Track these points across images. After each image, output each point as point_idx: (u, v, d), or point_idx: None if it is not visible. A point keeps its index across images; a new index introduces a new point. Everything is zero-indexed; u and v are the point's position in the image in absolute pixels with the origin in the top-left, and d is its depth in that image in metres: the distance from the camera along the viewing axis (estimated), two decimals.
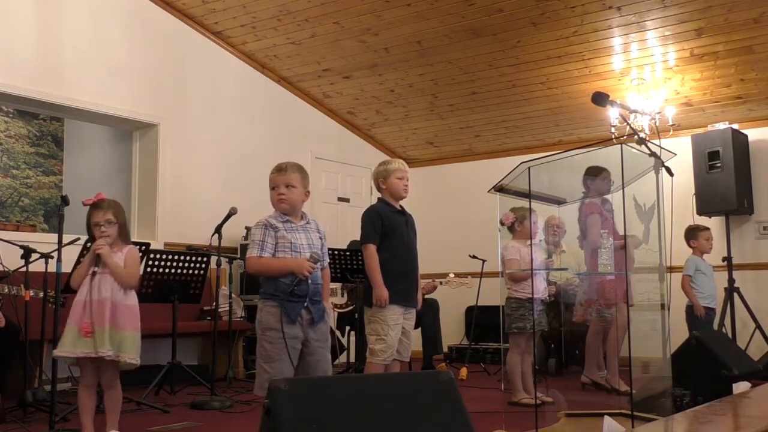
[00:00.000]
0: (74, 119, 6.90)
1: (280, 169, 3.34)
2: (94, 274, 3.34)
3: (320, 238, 3.39)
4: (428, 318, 6.17)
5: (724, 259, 6.42)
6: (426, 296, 6.11)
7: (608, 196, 4.95)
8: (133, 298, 3.43)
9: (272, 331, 3.17)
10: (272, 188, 3.32)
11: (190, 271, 5.21)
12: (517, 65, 6.51)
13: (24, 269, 4.14)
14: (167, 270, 5.10)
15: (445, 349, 7.10)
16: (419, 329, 5.79)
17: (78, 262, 3.61)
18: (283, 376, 3.08)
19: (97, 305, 3.30)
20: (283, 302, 3.17)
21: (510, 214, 4.59)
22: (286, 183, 3.30)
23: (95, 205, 3.41)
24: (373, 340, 3.90)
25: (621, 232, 4.77)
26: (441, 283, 6.03)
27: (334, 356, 5.60)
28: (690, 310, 5.67)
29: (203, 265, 5.27)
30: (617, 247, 4.83)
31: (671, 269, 4.90)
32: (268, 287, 3.24)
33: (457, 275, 6.13)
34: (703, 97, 6.61)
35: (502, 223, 4.64)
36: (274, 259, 3.23)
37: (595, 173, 4.86)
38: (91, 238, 3.41)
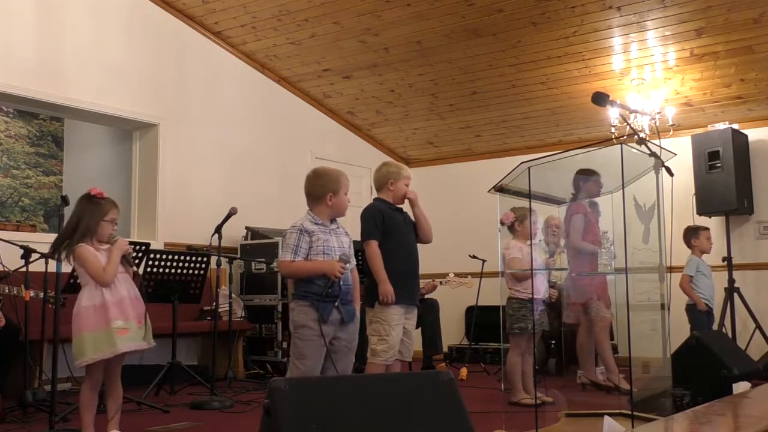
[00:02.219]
0: (74, 119, 6.90)
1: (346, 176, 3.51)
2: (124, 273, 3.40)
3: (349, 240, 3.51)
4: (428, 318, 6.16)
5: (724, 259, 6.42)
6: (426, 296, 6.11)
7: (607, 197, 4.95)
8: None
9: (304, 329, 3.27)
10: (345, 193, 3.44)
11: (190, 271, 5.22)
12: (517, 65, 6.51)
13: (24, 269, 4.14)
14: (167, 270, 5.10)
15: (445, 349, 7.10)
16: (419, 329, 5.79)
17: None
18: (315, 373, 3.23)
19: (138, 302, 3.39)
20: (316, 302, 3.27)
21: (510, 213, 4.60)
22: None
23: (111, 201, 3.44)
24: (375, 340, 3.90)
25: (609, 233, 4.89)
26: (441, 283, 6.03)
27: None
28: (691, 308, 5.68)
29: (203, 265, 5.27)
30: (592, 250, 4.93)
31: (671, 269, 4.90)
32: (301, 289, 3.33)
33: (457, 275, 6.13)
34: (703, 97, 6.61)
35: (502, 223, 4.64)
36: (306, 262, 3.33)
37: (587, 174, 4.88)
38: (92, 231, 3.38)
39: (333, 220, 3.46)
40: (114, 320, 3.28)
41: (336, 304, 3.31)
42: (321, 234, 3.34)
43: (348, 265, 3.35)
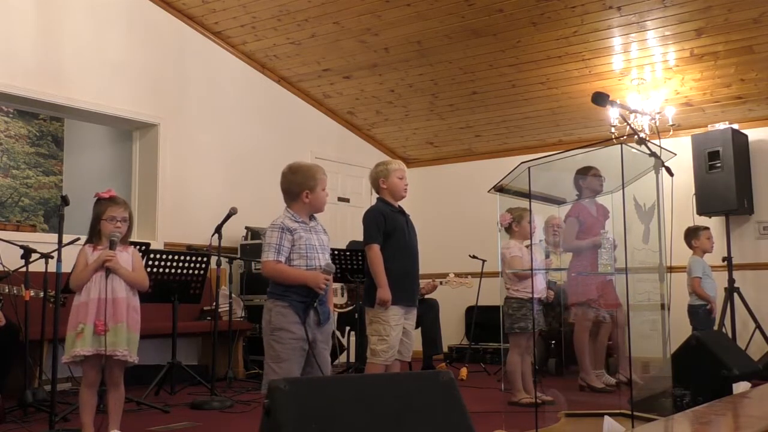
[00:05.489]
0: (74, 119, 6.90)
1: None
2: (107, 273, 3.32)
3: (328, 239, 3.44)
4: (428, 318, 6.16)
5: (724, 259, 6.42)
6: (426, 296, 6.11)
7: (607, 197, 4.96)
8: (137, 300, 3.46)
9: (282, 332, 3.18)
10: (322, 189, 3.38)
11: (190, 271, 5.21)
12: (517, 65, 6.51)
13: (24, 269, 4.14)
14: (167, 270, 5.10)
15: (445, 349, 7.09)
16: (419, 329, 5.79)
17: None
18: (292, 376, 3.11)
19: (114, 304, 3.31)
20: (294, 303, 3.19)
21: (507, 214, 4.61)
22: None
23: (112, 200, 3.43)
24: (374, 340, 3.90)
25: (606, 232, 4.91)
26: (441, 283, 6.03)
27: (334, 357, 5.62)
28: (693, 309, 5.68)
29: (203, 265, 5.27)
30: (587, 245, 4.95)
31: (671, 269, 4.90)
32: (281, 288, 3.24)
33: (457, 275, 6.13)
34: (703, 97, 6.61)
35: (500, 225, 4.65)
36: (291, 268, 3.23)
37: (584, 172, 4.89)
38: (96, 232, 3.40)
39: (312, 217, 3.39)
40: (79, 324, 3.27)
41: (315, 305, 3.23)
42: (303, 232, 3.27)
43: (331, 275, 3.28)
